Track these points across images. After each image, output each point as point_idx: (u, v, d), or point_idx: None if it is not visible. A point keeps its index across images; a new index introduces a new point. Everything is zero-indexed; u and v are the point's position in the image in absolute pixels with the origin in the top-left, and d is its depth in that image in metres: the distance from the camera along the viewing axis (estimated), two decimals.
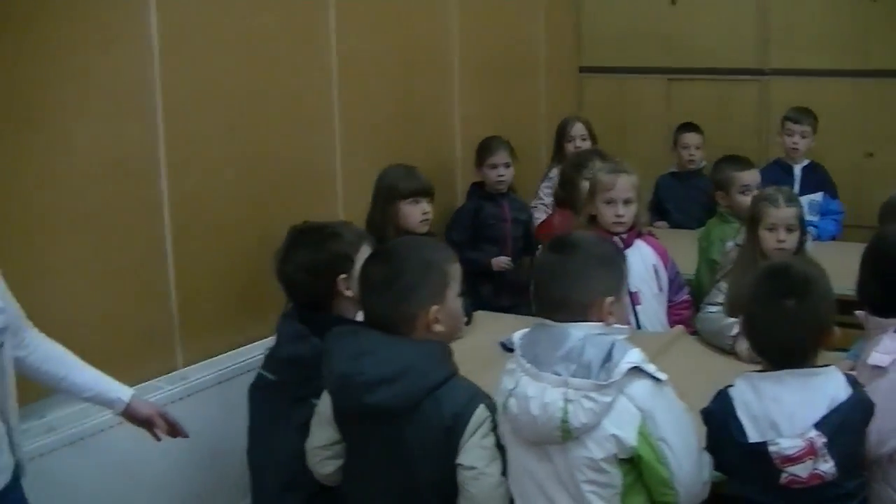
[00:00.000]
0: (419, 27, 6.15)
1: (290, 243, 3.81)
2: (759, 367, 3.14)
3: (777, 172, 6.73)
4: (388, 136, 5.81)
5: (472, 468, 3.03)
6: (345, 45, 5.43)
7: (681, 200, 6.68)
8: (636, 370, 2.85)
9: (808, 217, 5.28)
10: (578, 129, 6.87)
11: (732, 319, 4.33)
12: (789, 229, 4.49)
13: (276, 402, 3.65)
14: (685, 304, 4.92)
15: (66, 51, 3.86)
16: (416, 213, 4.98)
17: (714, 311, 4.52)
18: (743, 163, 5.59)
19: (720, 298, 4.57)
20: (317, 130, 5.31)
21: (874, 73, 7.36)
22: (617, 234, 4.65)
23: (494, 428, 3.09)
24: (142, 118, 4.21)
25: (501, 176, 6.19)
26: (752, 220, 4.59)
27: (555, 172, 6.54)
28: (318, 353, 3.33)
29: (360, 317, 3.49)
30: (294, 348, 3.61)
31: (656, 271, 4.74)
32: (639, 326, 4.61)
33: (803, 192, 6.22)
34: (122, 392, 3.41)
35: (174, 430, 3.56)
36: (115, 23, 4.15)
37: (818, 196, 6.58)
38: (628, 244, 4.64)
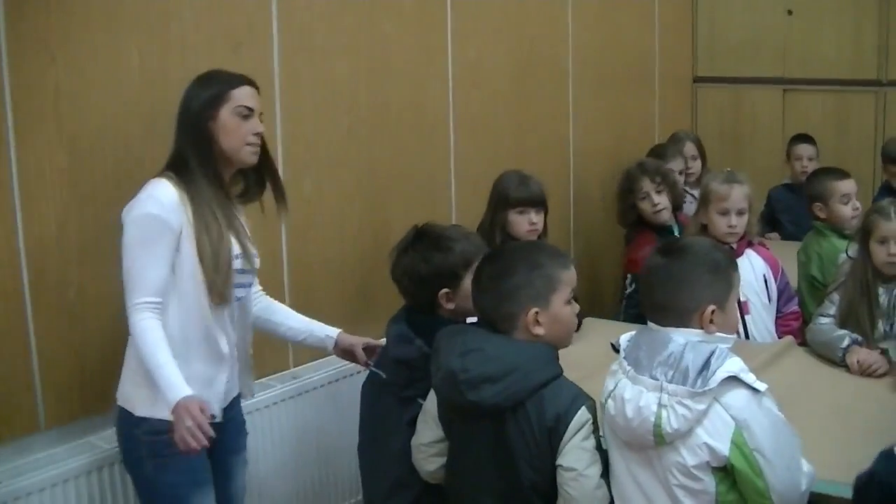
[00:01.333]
0: (534, 36, 6.22)
1: (405, 244, 3.85)
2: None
3: (887, 193, 6.57)
4: (501, 143, 5.88)
5: (572, 469, 3.06)
6: (461, 54, 5.53)
7: (794, 212, 6.63)
8: (733, 379, 2.83)
9: None
10: (689, 148, 6.89)
11: (844, 331, 4.35)
12: None
13: (386, 400, 3.72)
14: (794, 315, 4.92)
15: (192, 54, 4.02)
16: (524, 224, 4.95)
17: (825, 323, 4.52)
18: (840, 173, 5.50)
19: (832, 311, 4.56)
20: (432, 136, 5.42)
21: None
22: (728, 243, 4.68)
23: (596, 430, 3.12)
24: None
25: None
26: (864, 233, 4.58)
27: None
28: (423, 355, 3.44)
29: (470, 321, 3.57)
30: (400, 350, 3.67)
31: (766, 281, 4.75)
32: (747, 336, 4.63)
33: None
34: (330, 330, 3.98)
35: (372, 355, 3.96)
36: (240, 27, 4.31)
37: None
38: (739, 253, 4.67)
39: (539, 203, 5.01)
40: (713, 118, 8.17)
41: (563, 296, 3.22)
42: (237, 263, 3.50)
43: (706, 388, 2.80)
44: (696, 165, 6.84)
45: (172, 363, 3.28)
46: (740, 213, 4.70)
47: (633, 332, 3.11)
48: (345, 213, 4.83)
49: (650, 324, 3.04)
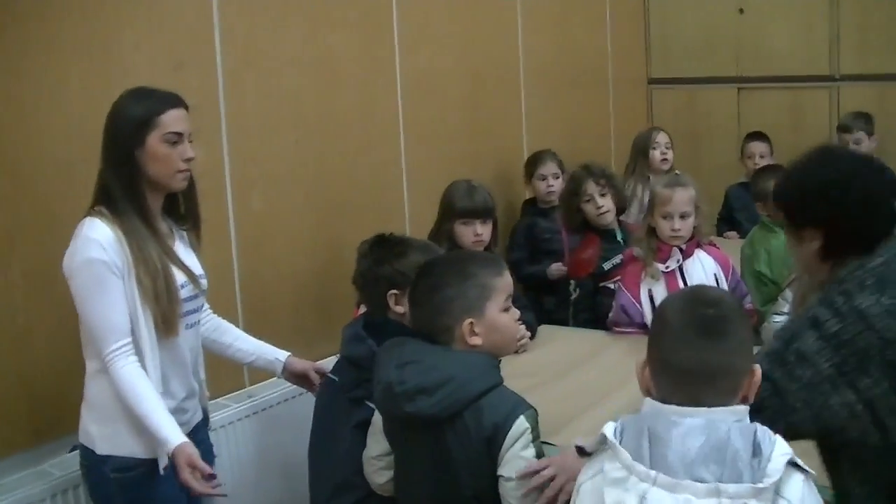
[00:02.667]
0: (484, 42, 6.27)
1: (365, 250, 3.94)
2: None
3: None
4: (454, 151, 5.92)
5: (512, 479, 3.02)
6: (410, 62, 5.58)
7: (750, 210, 6.65)
8: (790, 465, 2.27)
9: None
10: (663, 137, 6.98)
11: None
12: None
13: (338, 402, 3.75)
14: (748, 312, 4.96)
15: (135, 75, 3.98)
16: (469, 234, 4.95)
17: (779, 321, 4.56)
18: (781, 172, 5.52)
19: (785, 308, 4.62)
20: (383, 147, 5.45)
21: None
22: (674, 246, 4.74)
23: (535, 439, 3.06)
24: (206, 138, 4.28)
25: (550, 187, 6.25)
26: None
27: (637, 188, 6.74)
28: (372, 355, 3.42)
29: None
30: (351, 349, 3.72)
31: (717, 281, 4.79)
32: None
33: None
34: (280, 353, 3.97)
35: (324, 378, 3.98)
36: (182, 46, 4.33)
37: None
38: (688, 254, 4.71)
39: (485, 214, 4.99)
40: (669, 119, 8.22)
41: (498, 303, 3.18)
42: (184, 292, 3.46)
43: (770, 481, 2.21)
44: (669, 155, 6.93)
45: (162, 409, 3.29)
46: (683, 216, 4.71)
47: (621, 422, 2.39)
48: (297, 228, 4.85)
49: (664, 406, 2.34)
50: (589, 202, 5.53)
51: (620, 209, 5.68)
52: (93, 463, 3.44)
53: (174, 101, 3.42)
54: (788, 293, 4.65)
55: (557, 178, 6.28)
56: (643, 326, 4.72)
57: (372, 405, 3.43)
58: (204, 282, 3.60)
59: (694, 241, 4.77)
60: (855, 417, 2.66)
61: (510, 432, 3.01)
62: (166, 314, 3.36)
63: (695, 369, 2.32)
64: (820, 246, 2.85)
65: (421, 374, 3.07)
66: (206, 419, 3.81)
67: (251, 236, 4.61)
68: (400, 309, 3.72)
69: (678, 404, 2.31)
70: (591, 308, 5.33)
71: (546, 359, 4.38)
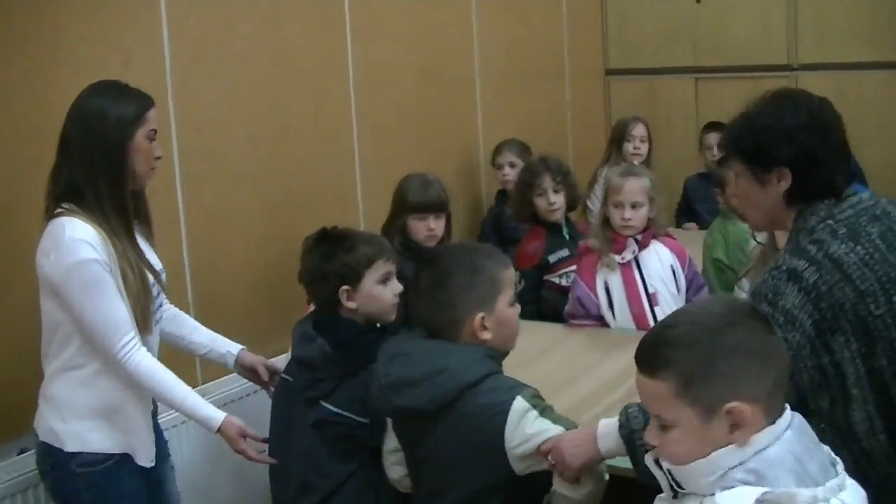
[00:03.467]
0: (438, 34, 6.29)
1: (309, 246, 3.89)
2: None
3: None
4: (408, 145, 5.95)
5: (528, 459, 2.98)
6: (363, 56, 5.58)
7: (710, 201, 6.69)
8: None
9: None
10: (640, 129, 7.06)
11: None
12: None
13: (294, 403, 3.74)
14: None
15: (82, 70, 3.97)
16: (422, 229, 4.98)
17: None
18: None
19: (743, 295, 4.67)
20: (336, 142, 5.46)
21: None
22: (628, 236, 4.79)
23: (544, 411, 3.01)
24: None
25: (506, 175, 6.33)
26: None
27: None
28: (324, 355, 3.50)
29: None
30: (302, 350, 3.70)
31: (674, 272, 4.84)
32: None
33: None
34: (232, 346, 4.00)
35: (274, 376, 4.00)
36: (131, 41, 4.32)
37: None
38: (644, 245, 4.77)
39: (438, 208, 5.02)
40: (627, 110, 8.18)
41: (507, 297, 3.19)
42: (155, 290, 3.54)
43: None
44: (644, 148, 7.01)
45: (192, 392, 3.52)
46: (635, 206, 4.77)
47: None
48: (248, 223, 4.85)
49: None
50: (542, 196, 5.56)
51: (571, 206, 5.71)
52: (58, 461, 3.48)
53: (151, 100, 3.50)
54: (745, 282, 4.70)
55: (514, 167, 6.33)
56: (599, 318, 4.78)
57: (327, 405, 3.52)
58: (164, 276, 3.66)
59: (650, 232, 4.81)
60: (826, 382, 2.70)
61: (510, 414, 2.98)
62: (144, 311, 3.45)
63: None
64: (787, 189, 2.87)
65: (408, 365, 3.10)
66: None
67: (202, 231, 4.61)
68: (353, 305, 3.71)
69: None
70: (536, 300, 5.36)
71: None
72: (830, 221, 2.81)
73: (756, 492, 2.00)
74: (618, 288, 4.79)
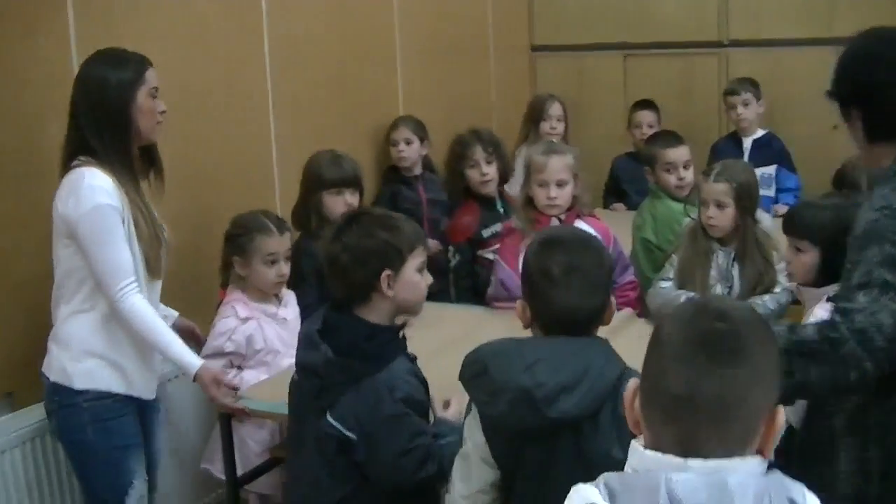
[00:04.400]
0: (357, 8, 6.23)
1: (344, 223, 3.50)
2: None
3: (729, 146, 7.04)
4: (326, 123, 5.88)
5: None
6: (279, 30, 5.53)
7: (639, 181, 6.68)
8: None
9: (761, 192, 5.33)
10: (556, 108, 7.07)
11: (681, 291, 4.57)
12: (719, 205, 4.62)
13: (303, 409, 3.49)
14: (631, 284, 4.98)
15: None
16: (339, 205, 4.95)
17: (665, 287, 4.65)
18: (670, 139, 5.60)
19: (671, 273, 4.71)
20: (252, 119, 5.41)
21: (838, 42, 7.42)
22: (552, 216, 4.78)
23: None
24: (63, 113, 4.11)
25: (402, 152, 6.28)
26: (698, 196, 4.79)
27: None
28: (328, 362, 3.27)
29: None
30: (305, 355, 3.40)
31: None
32: None
33: (754, 165, 6.27)
34: (170, 311, 4.31)
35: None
36: (34, 15, 4.24)
37: (771, 169, 6.79)
38: (568, 224, 4.74)
39: (354, 183, 5.04)
40: (553, 87, 8.14)
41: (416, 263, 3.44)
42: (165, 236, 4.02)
43: None
44: (560, 127, 7.02)
45: (178, 340, 3.92)
46: (559, 184, 4.76)
47: (611, 481, 1.90)
48: (162, 202, 4.76)
49: (666, 458, 1.86)
50: (474, 168, 5.59)
51: (503, 179, 5.71)
52: (66, 397, 3.89)
53: (148, 60, 3.94)
54: (675, 258, 4.74)
55: (410, 143, 6.29)
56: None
57: (330, 420, 3.27)
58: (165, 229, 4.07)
59: (574, 211, 4.81)
60: None
61: None
62: (155, 256, 3.92)
63: (690, 397, 1.83)
64: (863, 127, 3.00)
65: (552, 370, 2.81)
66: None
67: None
68: (391, 293, 3.37)
69: (677, 451, 1.84)
70: (471, 275, 5.35)
71: (425, 335, 4.35)
72: None
73: None
74: None
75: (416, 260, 3.43)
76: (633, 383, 1.98)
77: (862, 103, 3.00)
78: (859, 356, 2.67)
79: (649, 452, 1.86)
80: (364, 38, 6.31)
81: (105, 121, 3.79)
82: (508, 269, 4.77)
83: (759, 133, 7.15)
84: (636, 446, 1.91)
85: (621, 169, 7.32)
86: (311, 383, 3.36)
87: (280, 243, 4.55)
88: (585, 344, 2.88)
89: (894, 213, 2.80)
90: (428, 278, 3.52)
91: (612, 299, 3.00)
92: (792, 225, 3.92)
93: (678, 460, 1.81)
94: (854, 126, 3.04)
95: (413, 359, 3.40)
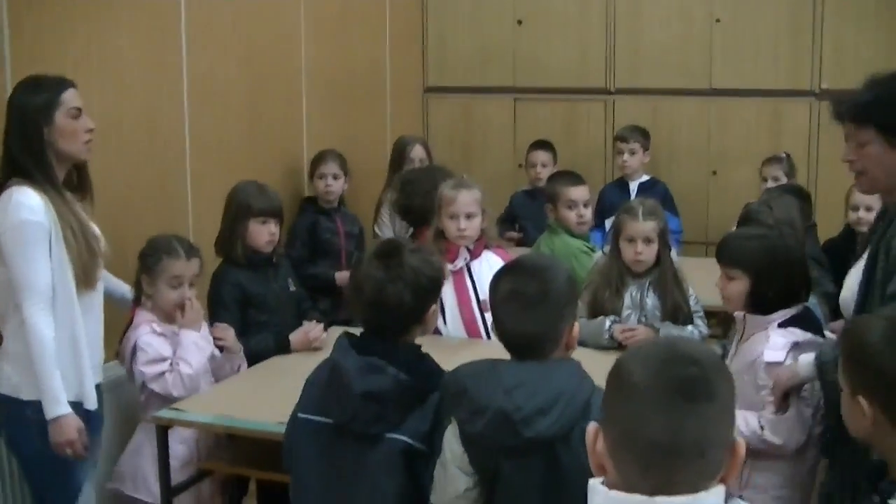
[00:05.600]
0: (268, 50, 6.50)
1: (399, 261, 3.44)
2: None
3: (615, 190, 7.47)
4: (238, 156, 6.13)
5: None
6: (196, 68, 5.76)
7: (535, 217, 6.99)
8: None
9: None
10: (418, 151, 7.23)
11: (601, 317, 4.93)
12: (647, 241, 4.96)
13: (340, 445, 3.43)
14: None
15: None
16: (264, 234, 5.12)
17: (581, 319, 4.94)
18: (573, 179, 5.97)
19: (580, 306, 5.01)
20: (168, 151, 5.61)
21: (718, 93, 7.93)
22: (463, 246, 5.07)
23: None
24: None
25: (329, 186, 6.57)
26: (616, 232, 5.09)
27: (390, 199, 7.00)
28: (399, 384, 3.30)
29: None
30: (367, 382, 3.33)
31: None
32: (488, 336, 4.98)
33: None
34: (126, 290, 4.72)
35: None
36: None
37: None
38: (476, 255, 5.08)
39: (279, 213, 5.22)
40: (445, 127, 8.66)
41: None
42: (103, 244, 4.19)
43: None
44: None
45: (58, 376, 3.93)
46: (469, 216, 5.04)
47: None
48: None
49: (642, 498, 1.93)
50: None
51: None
52: (14, 410, 4.03)
53: (68, 82, 4.11)
54: (585, 294, 5.03)
55: (338, 178, 6.59)
56: None
57: (396, 436, 3.32)
58: (103, 242, 4.23)
59: (482, 242, 5.08)
60: None
61: None
62: (86, 269, 4.06)
63: (671, 443, 1.90)
64: None
65: (530, 394, 3.00)
66: None
67: None
68: (428, 325, 3.56)
69: (650, 493, 1.91)
70: None
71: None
72: None
73: None
74: (450, 295, 5.04)
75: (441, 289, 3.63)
76: (592, 428, 2.03)
77: None
78: None
79: (614, 493, 1.92)
80: (273, 76, 6.58)
81: (27, 144, 3.96)
82: None
83: (645, 177, 7.58)
84: (598, 487, 1.95)
85: (519, 206, 7.60)
86: (369, 409, 3.31)
87: (186, 267, 4.62)
88: (557, 367, 3.06)
89: None
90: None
91: (576, 326, 3.18)
92: (724, 254, 4.15)
93: (645, 498, 1.88)
94: (893, 151, 3.57)
95: None
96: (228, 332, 4.76)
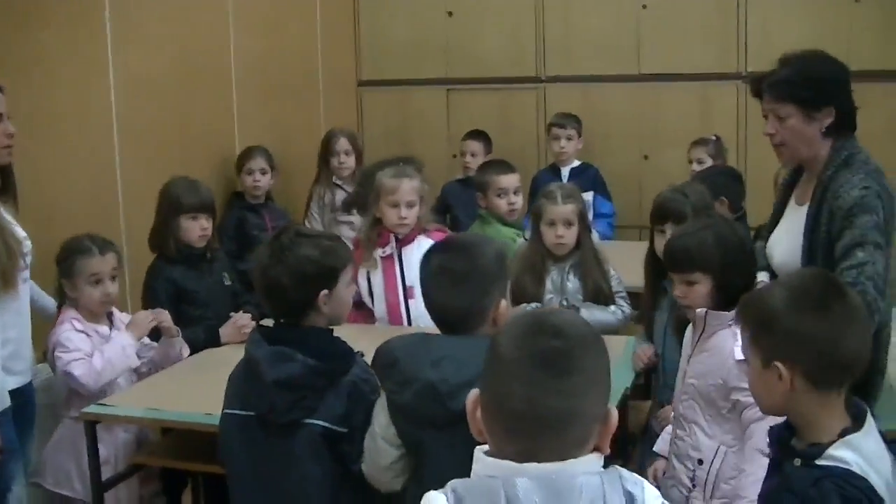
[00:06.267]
0: (196, 44, 6.49)
1: (283, 246, 3.53)
2: None
3: (548, 175, 7.49)
4: (168, 153, 6.11)
5: None
6: (123, 63, 5.74)
7: (468, 205, 6.96)
8: None
9: None
10: (342, 144, 7.26)
11: (525, 305, 4.89)
12: (567, 224, 5.02)
13: (262, 437, 3.49)
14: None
15: None
16: (196, 229, 5.14)
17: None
18: (503, 167, 6.04)
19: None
20: (97, 149, 5.60)
21: (647, 78, 8.00)
22: (400, 234, 5.10)
23: None
24: None
25: (257, 181, 6.65)
26: (535, 217, 5.13)
27: (324, 195, 7.15)
28: (309, 370, 3.37)
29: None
30: (278, 370, 3.39)
31: None
32: (410, 322, 5.03)
33: None
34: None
35: None
36: None
37: (588, 196, 7.12)
38: (408, 241, 5.10)
39: (210, 209, 5.23)
40: (379, 120, 8.67)
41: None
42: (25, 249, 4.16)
43: None
44: (349, 161, 7.23)
45: None
46: (409, 205, 5.08)
47: (457, 487, 2.03)
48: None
49: (509, 464, 2.01)
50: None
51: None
52: None
53: None
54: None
55: (265, 173, 6.66)
56: (361, 305, 5.07)
57: (314, 421, 3.38)
58: (28, 244, 4.23)
59: (416, 229, 5.10)
60: None
61: None
62: (5, 269, 4.01)
63: (532, 413, 1.98)
64: (832, 122, 3.85)
65: (457, 367, 3.07)
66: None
67: None
68: (326, 310, 3.55)
69: (517, 460, 1.98)
70: None
71: None
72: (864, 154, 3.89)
73: None
74: (378, 281, 5.12)
75: (346, 277, 3.62)
76: (473, 395, 2.11)
77: (840, 104, 3.88)
78: (876, 299, 3.61)
79: (490, 459, 2.02)
80: (203, 71, 6.57)
81: None
82: None
83: (576, 163, 7.65)
84: (479, 454, 2.05)
85: (451, 195, 7.60)
86: (283, 398, 3.38)
87: (102, 263, 4.59)
88: (484, 342, 2.89)
89: (876, 193, 3.73)
90: (353, 290, 3.80)
91: (503, 302, 3.25)
92: (677, 261, 3.86)
93: (515, 465, 1.97)
94: (818, 123, 3.87)
95: (361, 355, 3.55)
96: (164, 314, 4.71)
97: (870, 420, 2.65)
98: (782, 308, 2.67)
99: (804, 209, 3.95)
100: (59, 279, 4.62)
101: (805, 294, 2.69)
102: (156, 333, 4.72)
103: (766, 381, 2.66)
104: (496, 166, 6.08)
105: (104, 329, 4.61)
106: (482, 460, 2.03)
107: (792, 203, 4.15)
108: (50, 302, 4.70)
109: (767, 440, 2.82)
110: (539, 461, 1.96)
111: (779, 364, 2.61)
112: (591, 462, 2.00)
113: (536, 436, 1.98)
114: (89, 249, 4.59)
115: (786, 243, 4.02)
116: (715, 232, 3.81)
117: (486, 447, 2.06)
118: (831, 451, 2.56)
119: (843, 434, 2.59)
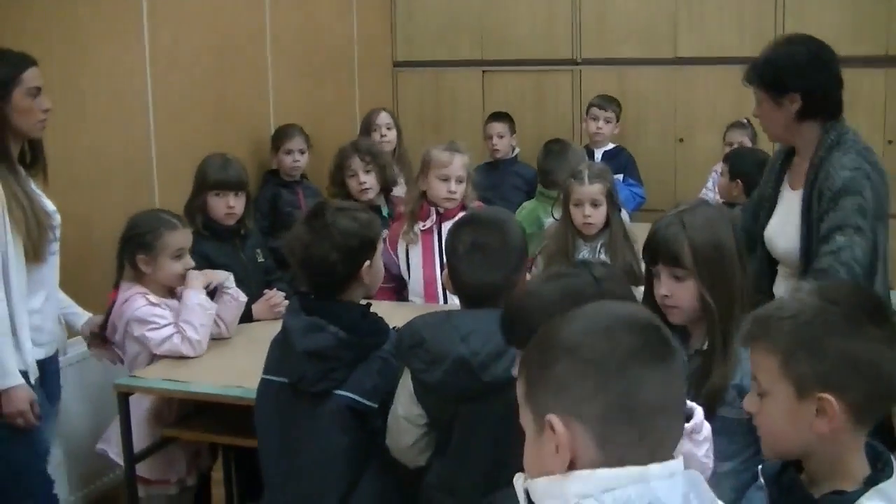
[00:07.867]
0: (232, 23, 6.49)
1: (326, 222, 3.52)
2: None
3: None
4: (202, 130, 6.10)
5: None
6: (159, 40, 5.74)
7: (499, 188, 7.06)
8: None
9: None
10: (384, 117, 7.19)
11: None
12: (594, 204, 4.98)
13: (292, 405, 3.53)
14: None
15: None
16: (222, 206, 5.12)
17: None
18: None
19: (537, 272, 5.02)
20: (132, 124, 5.60)
21: (683, 62, 7.93)
22: (447, 208, 5.13)
23: None
24: None
25: (296, 161, 6.62)
26: (565, 197, 5.10)
27: None
28: (339, 342, 3.40)
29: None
30: (310, 341, 3.44)
31: None
32: (446, 300, 5.03)
33: None
34: (82, 312, 4.60)
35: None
36: None
37: (617, 178, 7.10)
38: (449, 216, 5.06)
39: (237, 186, 5.17)
40: (414, 101, 8.64)
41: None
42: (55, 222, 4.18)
43: None
44: (391, 135, 7.14)
45: (10, 347, 3.94)
46: (459, 180, 5.13)
47: None
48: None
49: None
50: (353, 177, 5.83)
51: (386, 187, 5.98)
52: None
53: (30, 59, 4.10)
54: (540, 259, 5.08)
55: (304, 153, 6.63)
56: (400, 280, 5.15)
57: (343, 392, 3.41)
58: (57, 218, 4.25)
59: (460, 204, 5.12)
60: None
61: None
62: (35, 243, 4.05)
63: (667, 402, 1.79)
64: (799, 107, 3.86)
65: (484, 340, 3.10)
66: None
67: None
68: (367, 281, 3.61)
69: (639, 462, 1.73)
70: None
71: None
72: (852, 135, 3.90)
73: None
74: (416, 254, 5.16)
75: (381, 246, 3.71)
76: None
77: (800, 88, 3.85)
78: None
79: (604, 471, 1.74)
80: (238, 49, 6.56)
81: None
82: (389, 254, 5.04)
83: (610, 146, 7.61)
84: (581, 473, 1.75)
85: (481, 178, 7.49)
86: (313, 367, 3.41)
87: (186, 237, 4.58)
88: (493, 315, 2.99)
89: (865, 174, 3.75)
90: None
91: (527, 276, 3.29)
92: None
93: (648, 468, 1.74)
94: (786, 109, 3.89)
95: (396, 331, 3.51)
96: (215, 274, 4.68)
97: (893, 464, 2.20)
98: (832, 326, 2.18)
99: (798, 193, 3.96)
100: (132, 254, 4.47)
101: (857, 309, 2.19)
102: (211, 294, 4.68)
103: (799, 415, 2.18)
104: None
105: (174, 303, 4.55)
106: (587, 478, 1.73)
107: (787, 189, 4.13)
108: (75, 310, 4.62)
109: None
110: (666, 457, 1.77)
111: (827, 396, 2.14)
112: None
113: (672, 427, 1.81)
114: (173, 223, 4.55)
115: (786, 231, 4.01)
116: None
117: (579, 472, 1.75)
118: (864, 500, 2.12)
119: (869, 481, 2.16)
